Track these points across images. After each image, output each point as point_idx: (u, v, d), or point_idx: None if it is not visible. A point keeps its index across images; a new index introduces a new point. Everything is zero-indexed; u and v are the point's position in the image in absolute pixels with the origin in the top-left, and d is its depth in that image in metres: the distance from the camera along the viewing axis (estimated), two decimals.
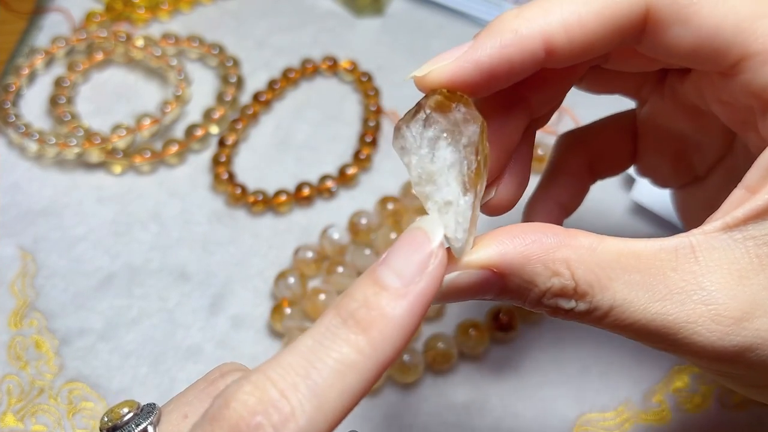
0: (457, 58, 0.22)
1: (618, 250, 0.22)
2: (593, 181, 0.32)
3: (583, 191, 0.32)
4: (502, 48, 0.22)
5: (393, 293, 0.20)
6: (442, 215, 0.21)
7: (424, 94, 0.22)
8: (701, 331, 0.21)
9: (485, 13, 0.50)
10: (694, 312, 0.21)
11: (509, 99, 0.25)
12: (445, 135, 0.21)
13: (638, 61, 0.26)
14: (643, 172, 0.32)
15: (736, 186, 0.23)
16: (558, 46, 0.22)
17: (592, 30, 0.22)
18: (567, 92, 0.27)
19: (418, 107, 0.22)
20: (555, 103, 0.27)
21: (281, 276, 0.38)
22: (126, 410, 0.22)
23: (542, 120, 0.27)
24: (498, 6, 0.50)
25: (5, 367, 0.37)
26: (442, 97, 0.22)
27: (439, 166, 0.22)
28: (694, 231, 0.22)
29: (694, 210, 0.32)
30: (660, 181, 0.33)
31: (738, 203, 0.22)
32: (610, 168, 0.32)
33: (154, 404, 0.22)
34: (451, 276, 0.22)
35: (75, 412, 0.35)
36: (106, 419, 0.22)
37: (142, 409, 0.22)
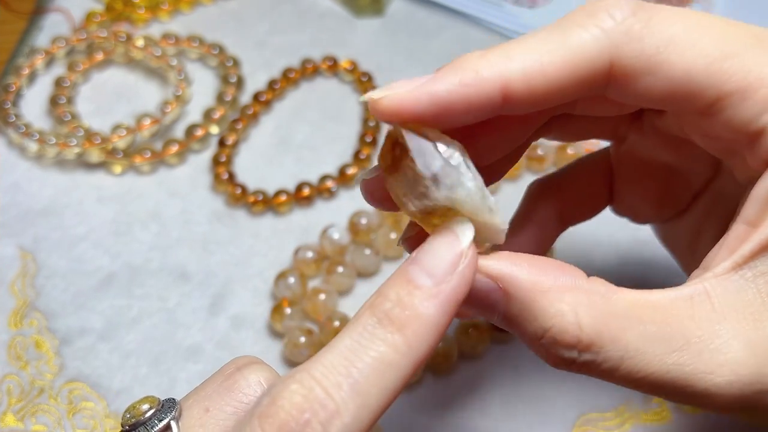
0: (414, 88, 0.21)
1: (633, 300, 0.21)
2: (562, 230, 0.31)
3: (549, 241, 0.31)
4: (461, 86, 0.21)
5: (425, 292, 0.20)
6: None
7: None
8: (719, 382, 0.20)
9: (485, 13, 0.50)
10: (712, 361, 0.21)
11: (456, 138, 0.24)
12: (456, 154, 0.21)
13: (610, 105, 0.25)
14: (622, 211, 0.32)
15: (721, 211, 0.23)
16: (515, 93, 0.21)
17: (553, 79, 0.21)
18: (522, 145, 0.26)
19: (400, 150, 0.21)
20: (507, 152, 0.26)
21: (281, 276, 0.38)
22: (147, 406, 0.22)
23: (496, 171, 0.27)
24: (498, 6, 0.50)
25: (5, 367, 0.37)
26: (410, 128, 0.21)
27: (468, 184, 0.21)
28: (707, 275, 0.22)
29: (680, 239, 0.31)
30: (640, 219, 0.32)
31: (742, 239, 0.22)
32: (583, 214, 0.32)
33: (174, 399, 0.22)
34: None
35: (75, 412, 0.35)
36: (128, 416, 0.22)
37: (162, 405, 0.22)
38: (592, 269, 0.22)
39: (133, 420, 0.22)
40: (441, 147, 0.21)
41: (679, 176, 0.29)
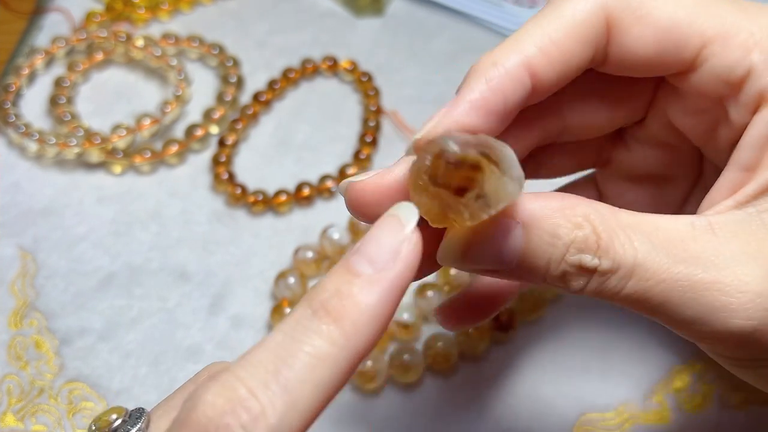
0: (449, 108, 0.22)
1: (636, 217, 0.22)
2: None
3: None
4: (489, 82, 0.23)
5: (365, 280, 0.19)
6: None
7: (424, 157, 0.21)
8: (729, 291, 0.21)
9: (485, 13, 0.50)
10: (720, 274, 0.21)
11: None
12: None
13: (599, 116, 0.27)
14: None
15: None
16: (540, 69, 0.23)
17: (566, 48, 0.23)
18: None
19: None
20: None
21: (281, 276, 0.38)
22: (114, 416, 0.21)
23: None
24: (498, 6, 0.50)
25: (5, 367, 0.37)
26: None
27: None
28: (706, 212, 0.22)
29: None
30: None
31: (738, 182, 0.23)
32: None
33: (142, 409, 0.22)
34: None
35: (75, 412, 0.35)
36: (93, 427, 0.21)
37: (130, 415, 0.21)
38: None
39: None
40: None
41: (666, 184, 0.29)
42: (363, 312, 0.19)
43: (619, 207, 0.30)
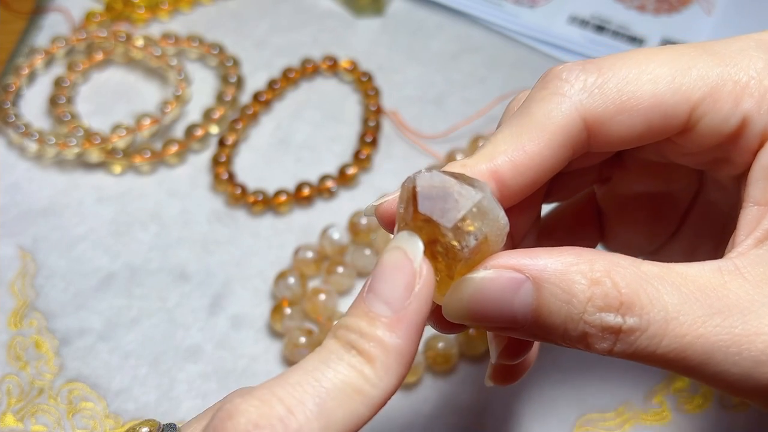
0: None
1: (661, 269, 0.20)
2: None
3: None
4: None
5: (386, 323, 0.19)
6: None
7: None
8: None
9: (485, 13, 0.50)
10: (760, 323, 0.19)
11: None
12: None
13: (597, 154, 0.26)
14: (614, 247, 0.31)
15: (713, 222, 0.23)
16: (508, 178, 0.22)
17: (538, 155, 0.22)
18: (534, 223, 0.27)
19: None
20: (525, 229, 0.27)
21: (281, 276, 0.38)
22: (146, 429, 0.22)
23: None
24: (498, 6, 0.50)
25: (5, 367, 0.37)
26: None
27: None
28: (729, 255, 0.21)
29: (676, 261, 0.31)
30: (633, 251, 0.31)
31: (756, 218, 0.22)
32: None
33: (174, 425, 0.22)
34: (480, 275, 0.20)
35: (75, 412, 0.35)
36: None
37: (162, 430, 0.22)
38: None
39: None
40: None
41: (666, 199, 0.29)
42: (390, 354, 0.19)
43: (621, 224, 0.30)
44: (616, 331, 0.20)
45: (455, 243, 0.20)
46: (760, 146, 0.22)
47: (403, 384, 0.36)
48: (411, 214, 0.21)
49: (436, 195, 0.20)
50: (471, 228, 0.20)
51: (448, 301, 0.21)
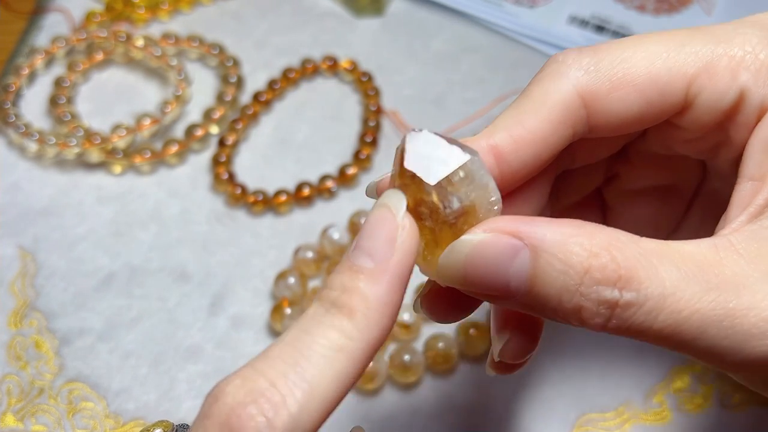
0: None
1: (658, 245, 0.20)
2: None
3: None
4: None
5: (369, 274, 0.20)
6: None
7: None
8: (766, 316, 0.19)
9: (485, 13, 0.50)
10: (754, 298, 0.20)
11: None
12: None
13: (602, 146, 0.27)
14: None
15: (717, 212, 0.23)
16: (508, 154, 0.23)
17: (538, 130, 0.23)
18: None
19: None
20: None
21: (281, 276, 0.38)
22: (160, 431, 0.22)
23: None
24: (498, 6, 0.50)
25: (5, 367, 0.37)
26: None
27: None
28: (723, 231, 0.22)
29: None
30: None
31: (751, 194, 0.22)
32: None
33: (186, 425, 0.22)
34: (478, 237, 0.20)
35: (75, 412, 0.35)
36: None
37: (176, 430, 0.22)
38: None
39: None
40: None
41: (671, 191, 0.29)
42: (371, 304, 0.19)
43: (626, 218, 0.30)
44: (612, 306, 0.20)
45: (438, 203, 0.21)
46: (758, 121, 0.23)
47: (402, 384, 0.36)
48: (398, 171, 0.21)
49: (424, 152, 0.21)
50: (455, 189, 0.20)
51: (444, 263, 0.21)
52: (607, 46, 0.23)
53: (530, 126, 0.23)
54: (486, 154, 0.23)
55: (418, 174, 0.20)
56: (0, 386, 0.36)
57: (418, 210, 0.21)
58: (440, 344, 0.36)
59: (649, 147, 0.27)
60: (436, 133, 0.21)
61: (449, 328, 0.37)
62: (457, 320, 0.25)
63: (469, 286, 0.21)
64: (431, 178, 0.20)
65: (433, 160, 0.21)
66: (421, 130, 0.21)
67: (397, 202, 0.21)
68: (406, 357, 0.35)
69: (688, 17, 0.50)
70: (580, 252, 0.20)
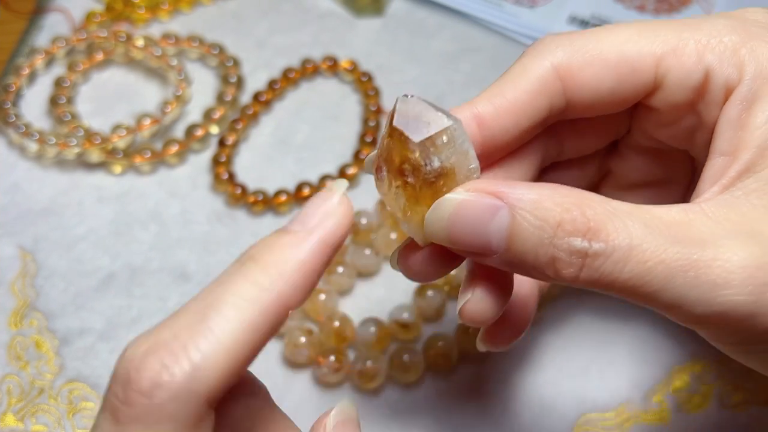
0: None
1: (629, 205, 0.22)
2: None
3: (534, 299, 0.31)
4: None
5: (294, 236, 0.21)
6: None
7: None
8: (729, 267, 0.20)
9: (485, 13, 0.50)
10: (718, 252, 0.21)
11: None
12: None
13: (591, 133, 0.28)
14: None
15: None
16: (489, 120, 0.25)
17: (516, 99, 0.25)
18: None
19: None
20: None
21: None
22: None
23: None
24: (498, 6, 0.50)
25: (5, 367, 0.37)
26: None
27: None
28: (695, 201, 0.23)
29: None
30: None
31: (721, 169, 0.23)
32: None
33: None
34: (461, 197, 0.22)
35: (75, 412, 0.35)
36: None
37: None
38: None
39: None
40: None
41: (664, 188, 0.30)
42: (289, 260, 0.20)
43: None
44: (582, 255, 0.21)
45: (420, 160, 0.22)
46: (725, 101, 0.24)
47: (402, 384, 0.36)
48: (388, 130, 0.23)
49: (412, 114, 0.22)
50: (437, 150, 0.22)
51: (430, 220, 0.22)
52: (584, 32, 0.25)
53: (510, 96, 0.25)
54: (469, 122, 0.25)
55: (405, 132, 0.22)
56: (0, 386, 0.36)
57: (402, 167, 0.23)
58: (440, 344, 0.36)
59: (636, 140, 0.28)
60: (424, 100, 0.23)
61: (449, 328, 0.37)
62: (428, 280, 0.26)
63: (454, 243, 0.22)
64: (416, 136, 0.22)
65: (420, 121, 0.22)
66: (412, 96, 0.23)
67: (338, 184, 0.22)
68: (406, 357, 0.35)
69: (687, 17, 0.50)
70: (553, 208, 0.21)
